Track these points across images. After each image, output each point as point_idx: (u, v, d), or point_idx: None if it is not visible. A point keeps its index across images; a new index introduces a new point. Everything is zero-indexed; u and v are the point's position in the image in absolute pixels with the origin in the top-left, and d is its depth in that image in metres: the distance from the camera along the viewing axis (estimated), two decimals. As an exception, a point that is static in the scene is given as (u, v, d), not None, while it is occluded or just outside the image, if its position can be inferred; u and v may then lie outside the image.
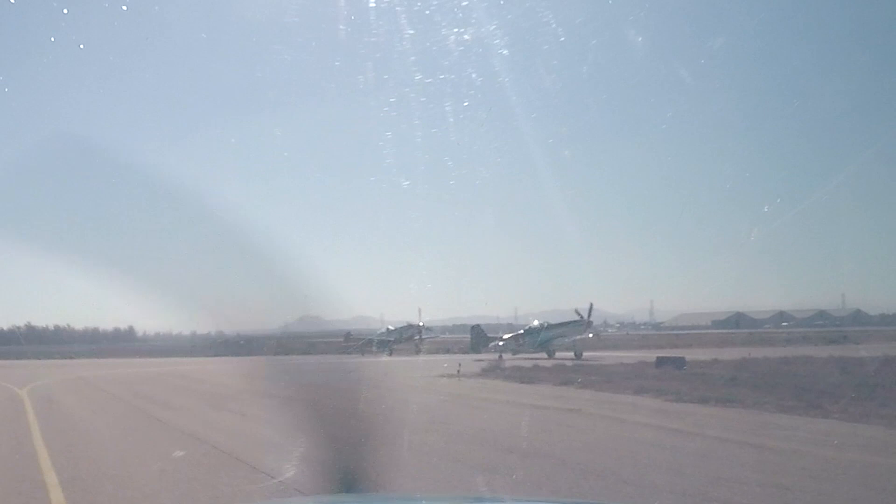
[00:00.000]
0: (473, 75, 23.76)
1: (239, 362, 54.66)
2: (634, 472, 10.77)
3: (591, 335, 50.16)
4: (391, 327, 68.20)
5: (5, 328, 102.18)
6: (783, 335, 74.42)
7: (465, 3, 23.31)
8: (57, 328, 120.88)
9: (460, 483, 10.50)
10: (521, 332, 51.95)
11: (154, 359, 65.10)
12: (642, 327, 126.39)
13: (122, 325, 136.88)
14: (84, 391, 28.99)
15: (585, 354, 45.32)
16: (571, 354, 45.29)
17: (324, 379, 33.36)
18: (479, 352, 49.68)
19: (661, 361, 31.46)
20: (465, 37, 20.83)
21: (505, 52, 23.96)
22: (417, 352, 59.93)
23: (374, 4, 18.89)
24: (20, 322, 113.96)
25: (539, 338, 49.57)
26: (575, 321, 50.04)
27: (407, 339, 64.64)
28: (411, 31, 20.52)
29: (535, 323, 52.00)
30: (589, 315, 50.34)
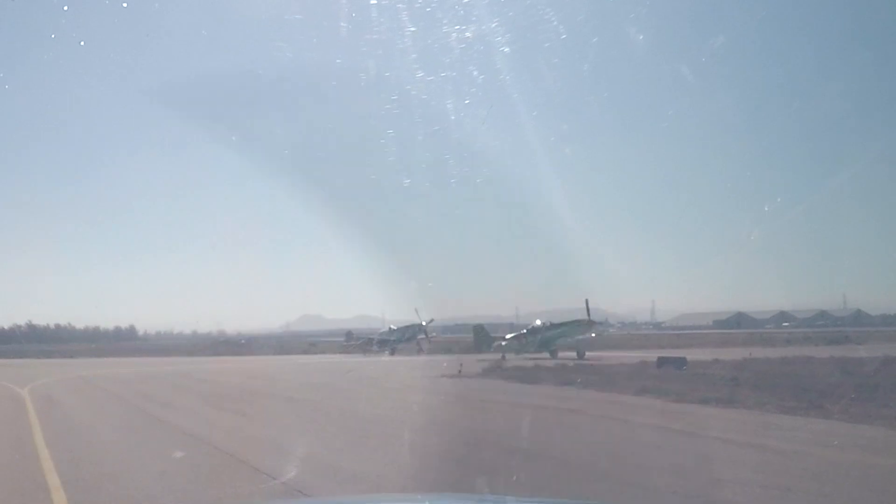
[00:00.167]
0: (475, 73, 23.76)
1: (239, 362, 54.75)
2: (636, 473, 10.76)
3: (593, 334, 50.07)
4: (394, 326, 68.16)
5: (6, 327, 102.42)
6: (784, 335, 74.38)
7: (466, 0, 23.28)
8: (58, 327, 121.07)
9: (461, 483, 10.49)
10: (524, 331, 51.86)
11: (155, 358, 65.11)
12: (643, 327, 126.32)
13: (123, 324, 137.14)
14: (85, 391, 29.00)
15: (587, 354, 45.27)
16: (574, 354, 45.21)
17: (325, 379, 33.41)
18: (482, 351, 49.61)
19: (662, 361, 31.44)
20: (467, 34, 20.82)
21: (506, 49, 23.95)
22: (419, 351, 59.92)
23: (375, 1, 18.90)
24: (21, 321, 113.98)
25: (542, 337, 49.50)
26: (577, 321, 49.93)
27: (409, 338, 64.56)
28: (413, 28, 20.53)
29: (538, 322, 51.92)
30: (588, 314, 50.22)
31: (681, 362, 30.57)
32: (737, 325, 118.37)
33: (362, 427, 16.45)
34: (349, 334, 75.07)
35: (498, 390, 25.01)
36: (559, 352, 47.64)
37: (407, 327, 65.62)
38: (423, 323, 64.22)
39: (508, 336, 52.86)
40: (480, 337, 53.43)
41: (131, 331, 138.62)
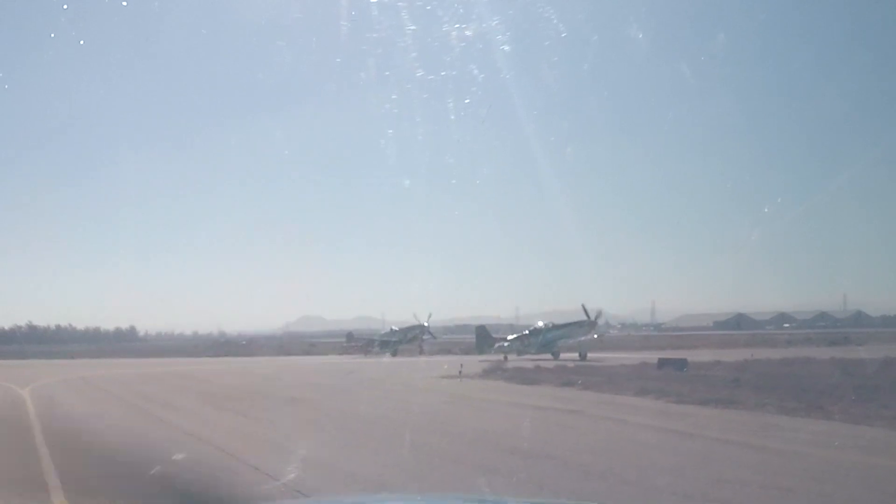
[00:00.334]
0: (475, 71, 23.77)
1: (240, 363, 54.70)
2: (636, 474, 10.76)
3: (595, 336, 50.10)
4: (395, 328, 68.15)
5: (7, 327, 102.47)
6: (785, 336, 74.41)
7: (466, -1, 23.24)
8: (58, 328, 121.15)
9: (462, 484, 10.49)
10: (526, 332, 51.90)
11: (155, 359, 65.07)
12: (644, 328, 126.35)
13: (124, 325, 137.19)
14: (86, 391, 29.00)
15: (588, 356, 45.27)
16: (576, 355, 45.21)
17: (326, 381, 33.41)
18: (483, 352, 49.65)
19: (662, 363, 31.44)
20: (467, 33, 20.81)
21: (506, 48, 23.96)
22: (420, 352, 59.94)
23: (375, 0, 18.87)
24: (22, 321, 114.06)
25: (544, 339, 49.52)
26: (579, 322, 49.97)
27: (411, 339, 64.59)
28: (413, 27, 20.53)
29: (540, 324, 51.99)
30: (595, 317, 50.25)
31: (681, 363, 30.57)
32: (737, 326, 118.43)
33: (363, 428, 16.46)
34: (350, 335, 75.01)
35: (498, 391, 25.00)
36: (561, 353, 47.64)
37: (408, 328, 65.64)
38: (425, 324, 64.26)
39: (510, 337, 52.90)
40: (482, 338, 53.46)
41: (132, 332, 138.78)
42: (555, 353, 47.60)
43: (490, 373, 32.42)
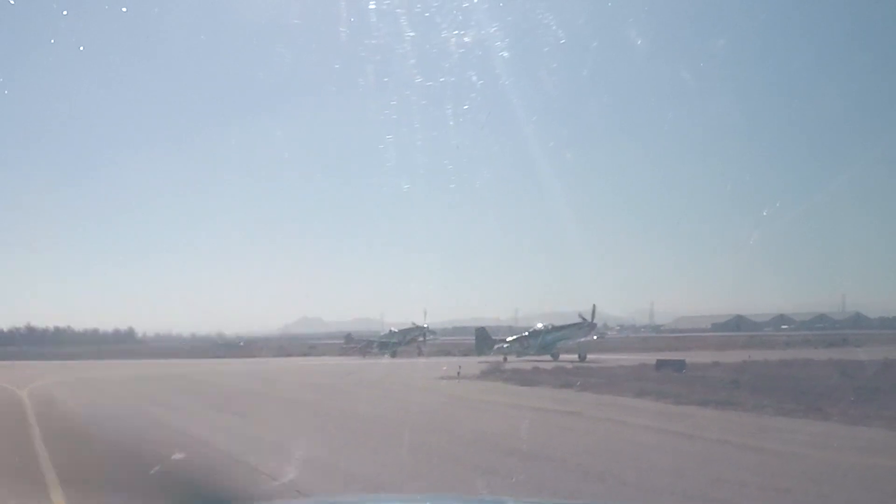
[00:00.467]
0: (474, 77, 23.82)
1: (238, 364, 54.69)
2: (635, 475, 10.77)
3: (594, 337, 50.25)
4: (395, 329, 68.17)
5: (5, 329, 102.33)
6: (783, 338, 74.41)
7: (465, 6, 23.33)
8: (57, 329, 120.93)
9: (462, 484, 10.50)
10: (526, 334, 52.07)
11: (154, 360, 64.98)
12: (642, 330, 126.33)
13: (122, 327, 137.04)
14: (85, 392, 28.97)
15: (587, 357, 45.34)
16: (575, 357, 45.28)
17: (325, 381, 33.41)
18: (484, 353, 49.75)
19: (661, 364, 31.43)
20: (466, 39, 20.85)
21: (505, 54, 24.00)
22: (420, 353, 59.97)
23: (374, 6, 18.92)
24: (20, 323, 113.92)
25: (543, 340, 49.63)
26: (578, 323, 50.21)
27: (410, 340, 64.64)
28: (412, 34, 20.56)
29: (539, 325, 52.19)
30: (592, 317, 50.48)
31: (680, 365, 30.58)
32: (736, 327, 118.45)
33: (361, 428, 16.47)
34: (349, 337, 75.02)
35: (496, 392, 25.01)
36: (560, 354, 47.72)
37: (408, 330, 65.67)
38: (425, 326, 64.31)
39: (510, 338, 52.99)
40: (482, 339, 53.56)
41: (130, 333, 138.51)
42: (554, 354, 47.67)
43: (488, 374, 32.42)
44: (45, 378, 35.69)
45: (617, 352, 52.15)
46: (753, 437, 14.02)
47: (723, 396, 19.66)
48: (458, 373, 30.99)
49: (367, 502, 5.46)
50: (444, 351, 60.58)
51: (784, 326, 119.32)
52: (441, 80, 23.52)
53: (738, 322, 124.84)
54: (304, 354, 74.48)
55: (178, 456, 12.60)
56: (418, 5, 21.17)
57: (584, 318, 50.17)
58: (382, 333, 71.70)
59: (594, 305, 51.46)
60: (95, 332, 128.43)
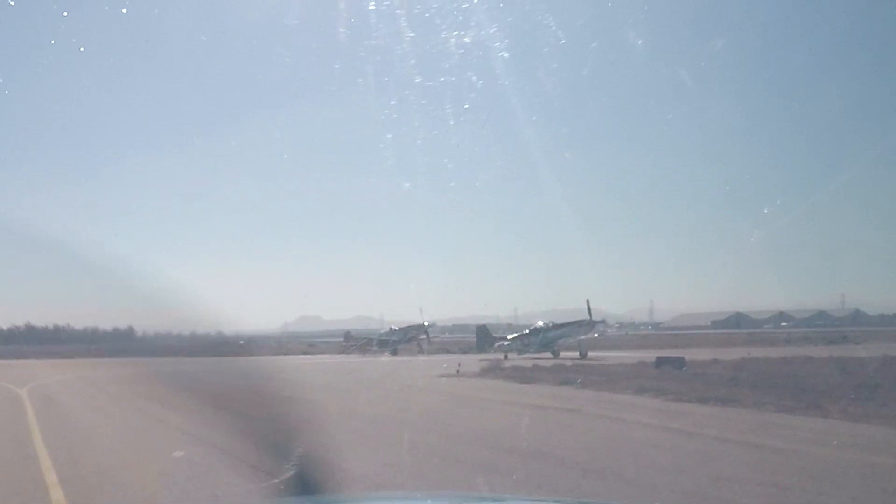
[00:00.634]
0: (473, 78, 23.83)
1: (238, 363, 54.65)
2: (635, 472, 10.76)
3: (595, 335, 50.25)
4: (395, 327, 68.13)
5: (5, 327, 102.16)
6: (783, 335, 74.40)
7: (465, 6, 23.33)
8: (56, 327, 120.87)
9: (462, 483, 10.48)
10: (527, 331, 52.11)
11: (154, 358, 64.90)
12: (642, 327, 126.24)
13: (122, 325, 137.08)
14: (84, 391, 28.96)
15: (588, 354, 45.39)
16: (576, 354, 45.31)
17: (325, 380, 33.41)
18: (485, 351, 49.85)
19: (660, 361, 31.45)
20: (466, 39, 20.82)
21: (505, 54, 23.98)
22: (420, 351, 59.98)
23: (374, 7, 18.87)
24: (20, 321, 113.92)
25: (544, 338, 49.67)
26: (579, 321, 50.20)
27: (410, 338, 64.62)
28: (411, 34, 20.53)
29: (540, 323, 52.19)
30: (590, 314, 50.46)
31: (679, 362, 30.60)
32: (735, 325, 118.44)
33: (361, 426, 16.45)
34: (348, 335, 74.97)
35: (497, 390, 25.01)
36: (561, 352, 47.77)
37: (408, 328, 65.64)
38: (426, 323, 64.29)
39: (511, 336, 53.04)
40: (483, 337, 53.64)
41: (129, 332, 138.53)
42: (555, 351, 47.74)
43: (488, 371, 32.44)
44: (44, 378, 35.67)
45: (616, 349, 52.16)
46: (753, 435, 14.02)
47: (722, 393, 19.66)
48: (458, 370, 31.00)
49: (366, 502, 5.44)
50: (444, 349, 60.59)
51: (784, 324, 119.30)
52: (441, 80, 23.48)
53: (738, 319, 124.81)
54: (304, 353, 74.44)
55: (178, 454, 12.60)
56: (418, 6, 21.17)
57: (591, 313, 50.12)
58: (382, 331, 71.65)
59: (588, 301, 51.42)
60: (95, 330, 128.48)
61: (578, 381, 25.35)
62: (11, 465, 12.07)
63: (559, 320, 52.57)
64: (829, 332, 73.90)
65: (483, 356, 45.04)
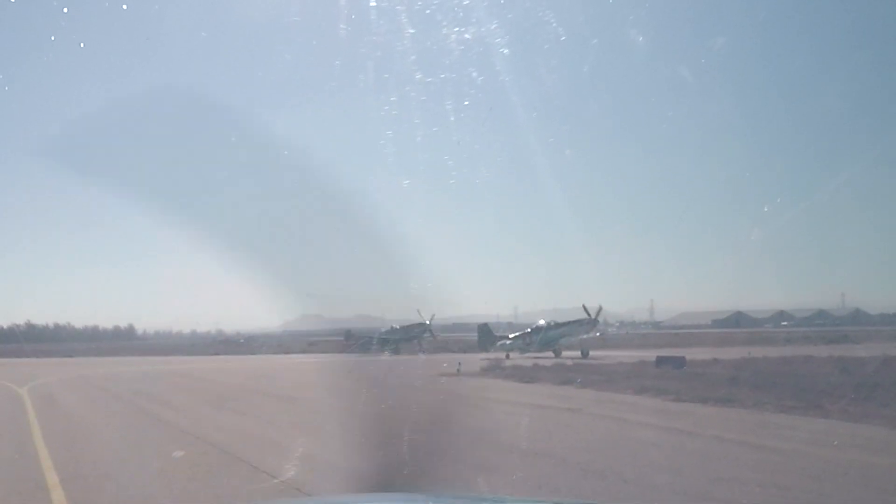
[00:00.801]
0: (474, 74, 23.79)
1: (238, 362, 54.73)
2: (635, 472, 10.76)
3: (597, 334, 50.28)
4: (396, 325, 68.11)
5: (5, 326, 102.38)
6: (783, 334, 74.45)
7: (465, 2, 23.29)
8: (57, 326, 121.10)
9: (462, 482, 10.48)
10: (528, 330, 52.13)
11: (154, 357, 65.03)
12: (642, 326, 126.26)
13: (122, 323, 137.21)
14: (84, 390, 28.97)
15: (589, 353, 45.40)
16: (577, 353, 45.31)
17: (324, 379, 33.39)
18: (486, 350, 49.85)
19: (661, 361, 31.45)
20: (466, 36, 20.82)
21: (506, 51, 23.99)
22: (421, 350, 59.96)
23: (374, 4, 18.85)
24: (20, 320, 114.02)
25: (545, 337, 49.68)
26: (580, 320, 50.20)
27: (411, 337, 64.66)
28: (412, 31, 20.52)
29: (541, 322, 52.19)
30: (597, 314, 50.43)
31: (680, 362, 30.59)
32: (736, 324, 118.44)
33: (360, 426, 16.43)
34: (349, 333, 74.93)
35: (496, 389, 24.99)
36: (563, 351, 47.78)
37: (409, 326, 65.63)
38: (427, 322, 64.27)
39: (512, 335, 53.07)
40: (485, 336, 53.67)
41: (130, 330, 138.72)
42: (556, 351, 47.75)
43: (489, 371, 32.44)
44: (44, 376, 35.68)
45: (617, 348, 52.16)
46: (753, 435, 14.01)
47: (722, 393, 19.65)
48: (458, 369, 31.00)
49: (366, 502, 5.43)
50: (445, 347, 60.60)
51: (784, 323, 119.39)
52: (441, 76, 23.46)
53: (738, 319, 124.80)
54: (305, 351, 74.43)
55: (178, 454, 12.60)
56: (419, 2, 21.13)
57: (589, 314, 50.06)
58: (383, 330, 71.60)
59: (584, 306, 51.41)
60: (95, 329, 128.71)
61: (579, 380, 25.35)
62: (12, 465, 12.07)
63: (560, 319, 52.56)
64: (830, 332, 73.96)
65: (484, 355, 45.05)
